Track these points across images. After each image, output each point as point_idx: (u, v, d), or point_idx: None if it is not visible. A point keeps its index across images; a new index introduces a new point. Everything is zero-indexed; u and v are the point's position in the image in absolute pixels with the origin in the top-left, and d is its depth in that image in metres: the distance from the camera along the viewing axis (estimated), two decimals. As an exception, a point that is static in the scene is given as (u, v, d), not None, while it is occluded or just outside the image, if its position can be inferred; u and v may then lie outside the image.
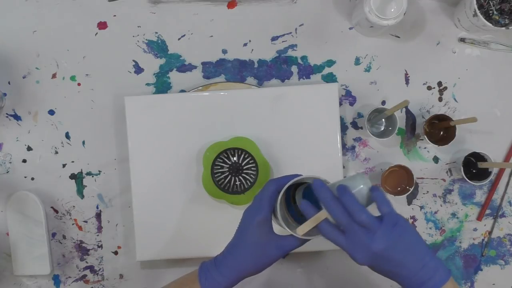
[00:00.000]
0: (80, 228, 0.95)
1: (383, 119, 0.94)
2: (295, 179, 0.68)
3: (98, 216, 0.95)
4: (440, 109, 0.96)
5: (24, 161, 0.94)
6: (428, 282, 0.65)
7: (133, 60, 0.95)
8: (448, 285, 0.65)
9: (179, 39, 0.95)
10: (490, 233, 0.97)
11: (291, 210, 0.70)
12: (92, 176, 0.95)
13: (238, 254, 0.69)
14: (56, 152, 0.95)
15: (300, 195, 0.70)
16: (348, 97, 0.95)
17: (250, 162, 0.88)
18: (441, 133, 0.94)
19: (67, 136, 0.95)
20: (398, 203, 0.96)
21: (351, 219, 0.64)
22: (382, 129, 0.95)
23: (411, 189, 0.91)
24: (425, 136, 0.91)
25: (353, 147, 0.96)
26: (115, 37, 0.95)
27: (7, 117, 0.94)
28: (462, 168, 0.91)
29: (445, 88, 0.96)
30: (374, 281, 0.96)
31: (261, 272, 0.71)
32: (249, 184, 0.88)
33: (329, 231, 0.65)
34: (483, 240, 0.97)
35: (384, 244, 0.63)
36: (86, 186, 0.95)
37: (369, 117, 0.92)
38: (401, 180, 0.92)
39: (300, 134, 0.91)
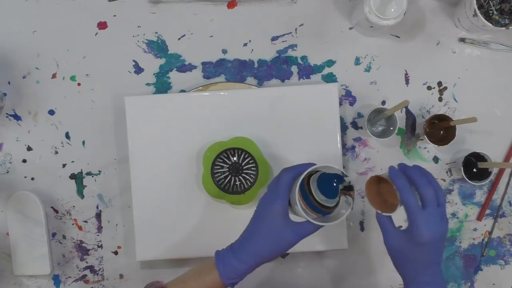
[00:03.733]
0: (80, 228, 0.95)
1: (383, 119, 0.94)
2: (313, 167, 0.71)
3: (98, 216, 0.95)
4: (440, 109, 0.96)
5: (24, 161, 0.94)
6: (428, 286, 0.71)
7: (133, 60, 0.95)
8: None
9: (179, 39, 0.95)
10: (490, 233, 0.97)
11: (305, 198, 0.72)
12: (92, 176, 0.95)
13: (256, 241, 0.71)
14: (56, 152, 0.95)
15: (315, 183, 0.73)
16: (348, 97, 0.95)
17: (250, 162, 0.88)
18: (441, 133, 0.94)
19: (67, 136, 0.95)
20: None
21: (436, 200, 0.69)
22: (382, 129, 0.95)
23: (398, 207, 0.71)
24: (425, 136, 0.91)
25: (353, 147, 0.96)
26: (115, 37, 0.95)
27: (7, 117, 0.94)
28: (462, 168, 0.91)
29: (445, 88, 0.96)
30: (373, 281, 0.96)
31: (277, 257, 0.74)
32: (249, 184, 0.88)
33: (413, 203, 0.68)
34: (483, 240, 0.97)
35: (447, 232, 0.71)
36: (86, 186, 0.95)
37: (369, 117, 0.92)
38: (385, 193, 0.74)
39: (300, 134, 0.91)
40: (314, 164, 0.72)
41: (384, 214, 0.72)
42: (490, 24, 0.86)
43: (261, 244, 0.71)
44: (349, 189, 0.73)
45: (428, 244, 0.68)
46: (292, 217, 0.73)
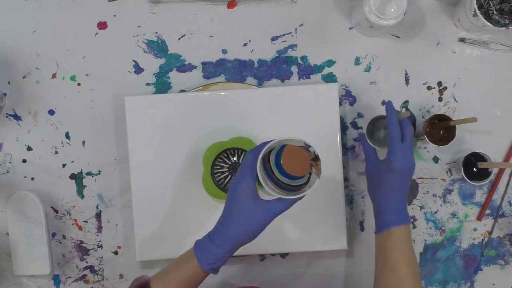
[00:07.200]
0: (80, 228, 0.95)
1: (383, 126, 0.93)
2: (270, 143, 0.69)
3: (98, 216, 0.95)
4: (440, 109, 0.96)
5: (24, 161, 0.94)
6: (394, 214, 0.81)
7: (133, 60, 0.95)
8: (402, 229, 0.81)
9: (179, 39, 0.95)
10: (490, 233, 0.97)
11: (270, 176, 0.71)
12: (92, 176, 0.95)
13: (228, 224, 0.72)
14: (56, 152, 0.95)
15: (273, 160, 0.71)
16: (348, 97, 0.96)
17: (250, 162, 0.88)
18: (441, 133, 0.94)
19: (67, 136, 0.95)
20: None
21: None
22: (384, 135, 0.94)
23: None
24: (425, 136, 0.91)
25: (353, 147, 0.96)
26: (115, 37, 0.95)
27: (7, 117, 0.94)
28: (462, 168, 0.91)
29: (445, 88, 0.96)
30: (373, 281, 0.96)
31: (254, 239, 0.73)
32: (249, 184, 0.88)
33: (396, 136, 0.81)
34: (483, 240, 0.97)
35: (414, 167, 0.83)
36: (86, 186, 0.95)
37: (368, 127, 0.91)
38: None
39: (300, 134, 0.90)
40: (272, 140, 0.70)
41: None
42: (490, 24, 0.86)
43: (234, 227, 0.71)
44: (315, 159, 0.70)
45: (399, 172, 0.80)
46: (266, 196, 0.72)
